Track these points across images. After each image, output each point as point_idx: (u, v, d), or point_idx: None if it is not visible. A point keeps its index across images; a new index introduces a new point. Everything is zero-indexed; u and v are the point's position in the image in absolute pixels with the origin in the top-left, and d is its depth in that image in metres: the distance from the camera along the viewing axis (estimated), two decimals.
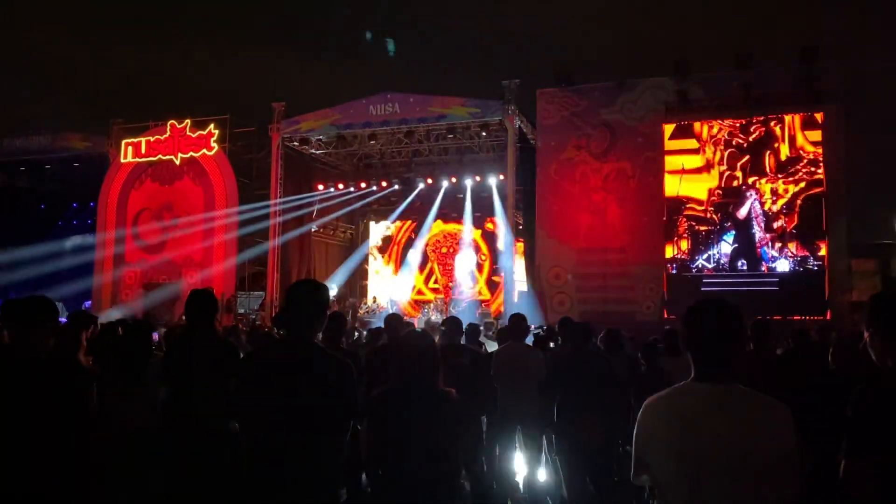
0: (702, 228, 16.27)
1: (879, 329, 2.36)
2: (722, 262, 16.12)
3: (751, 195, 15.78)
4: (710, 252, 16.17)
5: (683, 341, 2.29)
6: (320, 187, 22.34)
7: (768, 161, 15.79)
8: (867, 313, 2.43)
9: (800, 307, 15.18)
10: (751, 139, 15.90)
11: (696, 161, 16.42)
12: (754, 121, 15.77)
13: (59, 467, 3.03)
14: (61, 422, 3.05)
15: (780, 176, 15.55)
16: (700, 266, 16.34)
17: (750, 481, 2.05)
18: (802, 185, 15.50)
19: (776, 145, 15.77)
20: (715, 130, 16.35)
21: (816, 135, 15.67)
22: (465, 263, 23.76)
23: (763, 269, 15.72)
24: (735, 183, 15.96)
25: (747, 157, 15.92)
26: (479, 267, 23.75)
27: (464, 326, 6.54)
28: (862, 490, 2.18)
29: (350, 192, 22.57)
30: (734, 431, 2.08)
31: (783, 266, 15.58)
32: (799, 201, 15.39)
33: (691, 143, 16.37)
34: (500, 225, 21.23)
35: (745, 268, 15.76)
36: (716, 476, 2.06)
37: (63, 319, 4.98)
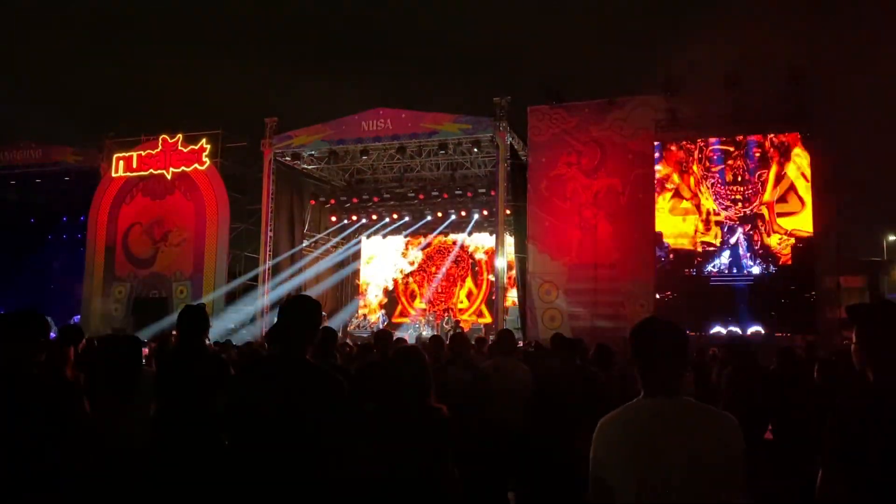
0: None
1: (859, 341, 2.40)
2: (722, 268, 16.69)
3: (739, 229, 16.51)
4: (714, 262, 16.78)
5: (632, 359, 2.35)
6: (312, 202, 22.39)
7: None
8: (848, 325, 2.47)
9: (788, 324, 15.31)
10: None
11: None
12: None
13: (45, 483, 3.03)
14: (48, 438, 3.04)
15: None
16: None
17: (707, 491, 2.11)
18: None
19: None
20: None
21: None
22: (454, 280, 23.78)
23: (745, 272, 16.54)
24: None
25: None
26: (478, 286, 23.68)
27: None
28: (838, 499, 2.21)
29: (342, 207, 22.62)
30: (687, 444, 2.13)
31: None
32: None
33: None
34: (491, 241, 21.32)
35: (734, 272, 16.61)
36: (674, 489, 2.11)
37: (53, 334, 4.98)
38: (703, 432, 2.16)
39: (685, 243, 17.00)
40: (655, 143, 17.06)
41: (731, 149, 16.65)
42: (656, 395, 2.25)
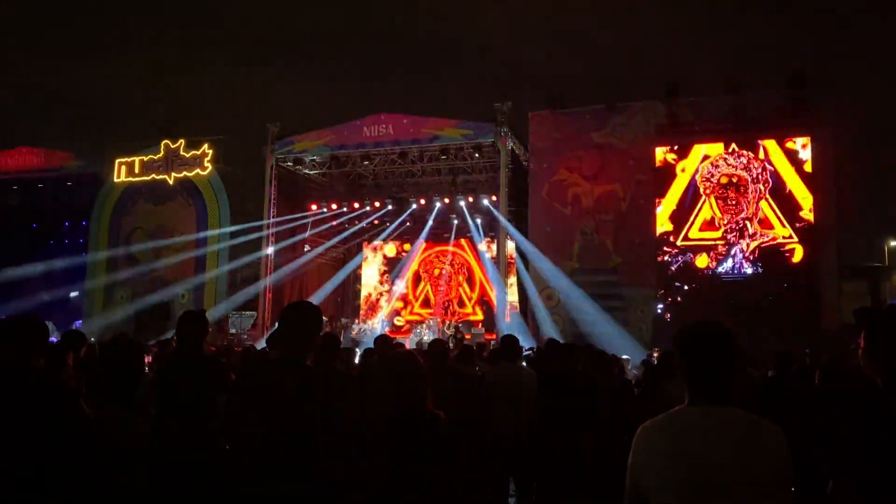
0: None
1: (867, 345, 2.37)
2: (728, 269, 16.75)
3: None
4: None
5: (678, 364, 2.25)
6: (314, 207, 22.38)
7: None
8: (856, 328, 2.43)
9: (790, 329, 15.27)
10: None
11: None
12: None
13: (44, 487, 3.02)
14: (46, 442, 3.04)
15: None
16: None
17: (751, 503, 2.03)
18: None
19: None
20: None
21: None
22: (455, 284, 23.86)
23: (743, 273, 16.72)
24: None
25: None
26: (472, 287, 23.79)
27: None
28: None
29: (343, 213, 22.64)
30: (732, 457, 2.05)
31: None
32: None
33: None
34: (493, 246, 21.31)
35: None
36: (716, 500, 2.04)
37: (54, 339, 4.98)
38: (750, 444, 2.08)
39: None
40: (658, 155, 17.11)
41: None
42: (703, 404, 2.15)
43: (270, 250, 20.23)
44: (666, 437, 2.16)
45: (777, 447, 2.09)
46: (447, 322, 21.80)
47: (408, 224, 23.09)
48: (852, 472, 2.21)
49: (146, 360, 5.55)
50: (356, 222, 23.58)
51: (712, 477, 2.05)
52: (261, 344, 14.31)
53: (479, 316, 22.94)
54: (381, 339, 6.78)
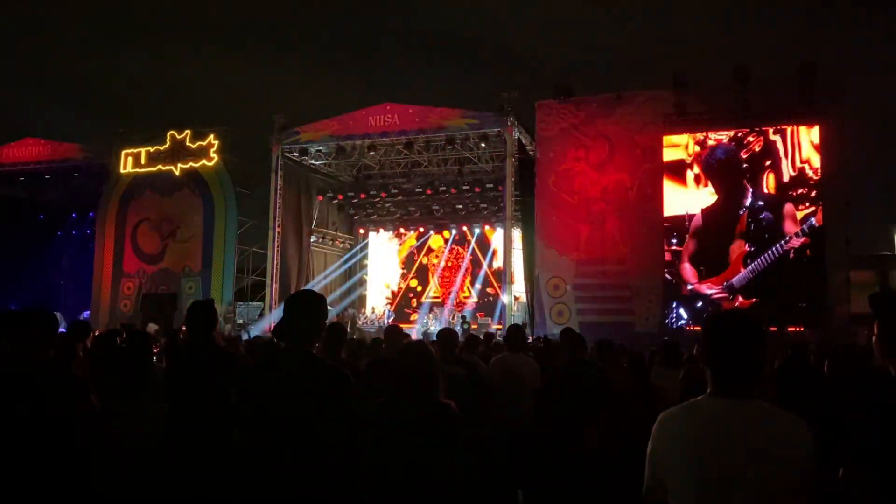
0: None
1: (881, 333, 2.33)
2: None
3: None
4: None
5: (701, 354, 2.22)
6: (320, 198, 22.40)
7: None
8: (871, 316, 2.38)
9: (797, 318, 15.21)
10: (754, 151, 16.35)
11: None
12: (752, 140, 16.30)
13: (52, 480, 3.03)
14: (56, 434, 3.05)
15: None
16: None
17: (772, 496, 2.01)
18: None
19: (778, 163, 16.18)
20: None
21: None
22: (462, 274, 23.90)
23: None
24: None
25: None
26: (478, 277, 23.82)
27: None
28: (863, 493, 2.17)
29: (349, 203, 22.70)
30: (755, 447, 2.02)
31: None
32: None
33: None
34: (499, 236, 21.31)
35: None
36: (734, 495, 2.02)
37: (62, 330, 4.98)
38: (772, 436, 2.04)
39: None
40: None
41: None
42: (725, 396, 2.11)
43: (276, 240, 20.25)
44: (688, 428, 2.13)
45: (801, 441, 2.05)
46: (454, 312, 21.83)
47: (414, 214, 23.08)
48: (865, 458, 2.20)
49: (154, 351, 5.55)
50: (362, 212, 23.61)
51: (735, 469, 2.02)
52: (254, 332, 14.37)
53: (486, 306, 22.97)
54: (392, 330, 6.77)
